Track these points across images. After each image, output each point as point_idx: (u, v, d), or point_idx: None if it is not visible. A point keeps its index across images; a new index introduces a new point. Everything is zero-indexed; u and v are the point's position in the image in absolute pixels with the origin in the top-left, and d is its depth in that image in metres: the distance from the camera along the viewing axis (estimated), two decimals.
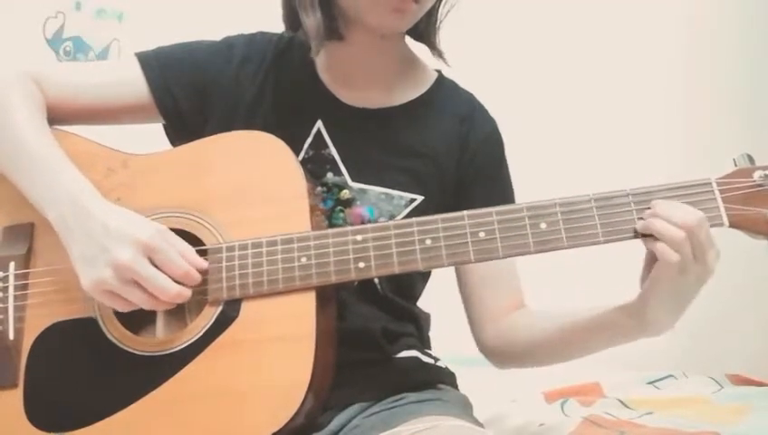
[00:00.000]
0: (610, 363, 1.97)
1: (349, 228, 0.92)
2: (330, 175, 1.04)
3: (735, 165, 0.89)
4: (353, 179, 1.04)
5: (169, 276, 0.88)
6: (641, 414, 1.44)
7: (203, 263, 0.91)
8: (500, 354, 1.11)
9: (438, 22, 1.08)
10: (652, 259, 0.88)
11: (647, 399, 1.61)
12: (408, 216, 1.04)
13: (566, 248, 0.88)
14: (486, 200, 1.07)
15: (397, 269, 0.89)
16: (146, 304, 0.88)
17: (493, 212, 0.89)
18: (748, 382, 1.80)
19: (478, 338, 1.12)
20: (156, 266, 0.88)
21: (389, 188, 1.04)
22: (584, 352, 1.03)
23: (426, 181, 1.06)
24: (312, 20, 1.01)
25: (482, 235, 0.89)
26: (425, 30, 1.08)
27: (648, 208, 0.87)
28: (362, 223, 1.03)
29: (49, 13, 2.24)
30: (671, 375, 1.86)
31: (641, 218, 0.87)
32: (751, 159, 0.89)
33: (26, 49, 2.20)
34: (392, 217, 1.04)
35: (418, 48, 1.13)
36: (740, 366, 1.90)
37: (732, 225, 0.86)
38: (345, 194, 1.04)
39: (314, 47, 1.02)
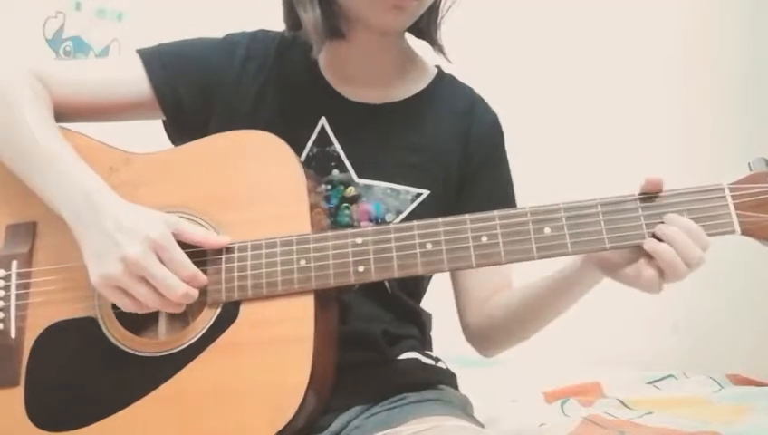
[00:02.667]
0: (610, 363, 1.98)
1: (348, 231, 0.91)
2: (335, 172, 1.04)
3: (750, 169, 0.86)
4: (359, 175, 1.04)
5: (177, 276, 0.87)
6: (641, 414, 1.44)
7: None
8: (483, 337, 1.12)
9: (440, 18, 1.08)
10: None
11: (647, 399, 1.62)
12: (414, 211, 1.04)
13: (570, 254, 0.87)
14: (488, 192, 1.09)
15: (396, 273, 0.89)
16: (153, 304, 0.87)
17: (496, 216, 0.88)
18: (748, 382, 1.80)
19: (464, 324, 1.13)
20: (164, 264, 0.87)
21: (395, 183, 1.04)
22: (560, 307, 1.03)
23: (431, 176, 1.06)
24: (310, 16, 1.01)
25: (484, 239, 0.87)
26: (426, 27, 1.07)
27: (657, 214, 0.85)
28: (369, 219, 1.03)
29: (49, 13, 2.24)
30: (671, 375, 1.87)
31: (653, 234, 0.85)
32: (767, 163, 0.85)
33: (26, 49, 2.20)
34: (398, 212, 1.04)
35: (418, 43, 1.13)
36: (740, 366, 1.90)
37: (744, 232, 0.84)
38: (351, 191, 1.04)
39: (315, 45, 1.02)
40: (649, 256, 0.85)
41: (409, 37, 1.12)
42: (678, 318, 2.26)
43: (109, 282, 0.87)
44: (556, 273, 0.99)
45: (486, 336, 1.12)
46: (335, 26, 1.04)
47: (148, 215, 0.90)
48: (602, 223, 0.86)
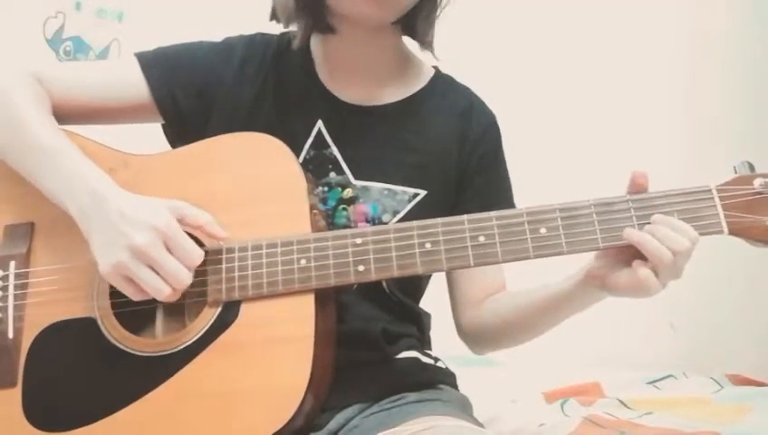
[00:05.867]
0: (610, 363, 1.97)
1: (348, 231, 0.92)
2: (332, 174, 1.04)
3: (736, 172, 0.89)
4: (356, 177, 1.04)
5: (183, 264, 0.88)
6: (641, 414, 1.44)
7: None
8: (474, 337, 1.13)
9: (438, 12, 1.06)
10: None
11: (647, 399, 1.61)
12: (412, 211, 1.04)
13: (565, 254, 0.89)
14: (485, 192, 1.09)
15: (396, 273, 0.90)
16: (160, 291, 0.87)
17: (493, 217, 0.89)
18: (748, 382, 1.80)
19: (457, 323, 1.14)
20: (170, 252, 0.88)
21: (392, 183, 1.05)
22: (556, 320, 1.04)
23: (427, 176, 1.06)
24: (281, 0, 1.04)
25: (482, 239, 0.89)
26: (417, 25, 1.05)
27: (648, 214, 0.87)
28: (366, 220, 1.03)
29: (49, 13, 2.24)
30: (671, 375, 1.86)
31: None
32: (751, 166, 0.89)
33: (26, 49, 2.20)
34: (395, 212, 1.04)
35: (417, 45, 1.12)
36: (740, 366, 1.90)
37: (731, 232, 0.87)
38: (348, 192, 1.04)
39: (283, 23, 1.05)
40: (642, 257, 0.87)
41: (407, 39, 1.12)
42: (676, 318, 2.26)
43: (117, 270, 0.87)
44: (553, 289, 1.00)
45: (479, 338, 1.13)
46: (324, 21, 1.04)
47: (153, 203, 0.90)
48: (596, 223, 0.88)
